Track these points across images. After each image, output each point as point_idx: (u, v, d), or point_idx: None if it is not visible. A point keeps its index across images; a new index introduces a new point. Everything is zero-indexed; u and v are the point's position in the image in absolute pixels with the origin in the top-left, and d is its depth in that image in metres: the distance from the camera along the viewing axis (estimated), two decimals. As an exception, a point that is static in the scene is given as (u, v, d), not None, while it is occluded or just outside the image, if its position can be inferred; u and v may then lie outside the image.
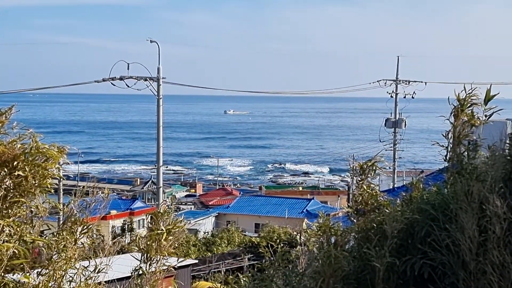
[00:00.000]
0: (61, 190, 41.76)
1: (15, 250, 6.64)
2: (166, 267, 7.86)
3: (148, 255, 7.79)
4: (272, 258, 8.21)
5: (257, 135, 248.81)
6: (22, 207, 7.11)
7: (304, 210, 71.82)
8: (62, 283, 7.06)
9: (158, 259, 7.80)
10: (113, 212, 65.86)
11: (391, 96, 69.96)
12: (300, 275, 7.69)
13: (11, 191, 6.97)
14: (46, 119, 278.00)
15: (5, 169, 6.94)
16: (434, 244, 6.86)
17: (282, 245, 8.89)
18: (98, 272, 7.32)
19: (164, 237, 7.70)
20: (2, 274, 6.68)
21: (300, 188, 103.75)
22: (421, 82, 70.46)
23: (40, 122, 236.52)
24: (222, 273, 46.54)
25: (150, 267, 7.79)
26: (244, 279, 8.68)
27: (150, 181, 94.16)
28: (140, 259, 7.89)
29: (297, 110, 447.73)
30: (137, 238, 8.33)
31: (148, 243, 7.79)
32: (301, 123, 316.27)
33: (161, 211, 8.00)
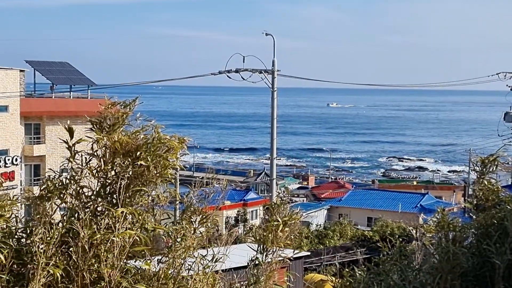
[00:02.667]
0: (178, 180, 42.64)
1: (137, 238, 6.85)
2: (282, 258, 7.92)
3: (265, 246, 7.87)
4: (388, 253, 8.13)
5: (370, 129, 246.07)
6: (144, 196, 7.33)
7: (418, 205, 70.54)
8: (181, 271, 7.24)
9: (274, 250, 7.86)
10: (227, 202, 66.84)
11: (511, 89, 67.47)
12: (416, 271, 7.57)
13: (134, 180, 7.20)
14: (166, 111, 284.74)
15: (129, 159, 7.17)
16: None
17: (400, 240, 8.76)
18: (216, 261, 7.45)
19: (280, 229, 7.76)
20: (125, 260, 6.91)
21: (415, 183, 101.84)
22: (544, 74, 67.55)
23: (161, 113, 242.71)
24: (335, 266, 46.40)
25: (266, 257, 7.87)
26: (360, 272, 8.62)
27: (263, 172, 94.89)
28: (256, 250, 7.98)
29: (409, 103, 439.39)
30: (254, 229, 8.43)
31: (265, 234, 7.86)
32: (413, 116, 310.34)
33: (277, 203, 8.06)
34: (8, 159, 54.92)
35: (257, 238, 8.04)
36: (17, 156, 55.99)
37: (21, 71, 57.92)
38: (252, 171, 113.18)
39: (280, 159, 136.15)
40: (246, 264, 8.10)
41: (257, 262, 7.91)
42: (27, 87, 61.59)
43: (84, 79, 64.03)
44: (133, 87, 46.97)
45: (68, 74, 63.17)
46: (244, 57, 39.29)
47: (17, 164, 55.93)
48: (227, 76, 39.52)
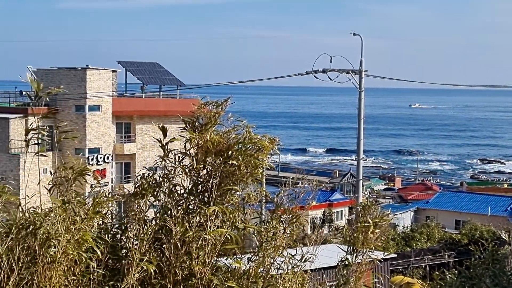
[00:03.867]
0: (264, 180, 42.74)
1: (228, 236, 6.95)
2: (372, 260, 7.88)
3: (354, 247, 7.84)
4: (480, 256, 7.97)
5: (459, 130, 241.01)
6: (234, 195, 7.43)
7: (508, 208, 68.68)
8: (270, 270, 7.30)
9: (364, 251, 7.83)
10: (313, 203, 66.68)
11: None
12: (510, 276, 7.40)
13: (225, 179, 7.30)
14: (253, 111, 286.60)
15: (220, 158, 7.28)
16: None
17: (492, 244, 8.57)
18: (305, 261, 7.48)
19: (371, 230, 7.72)
20: (216, 258, 7.02)
21: (505, 185, 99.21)
22: None
23: (249, 113, 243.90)
24: (423, 268, 45.68)
25: (356, 258, 7.85)
26: (450, 276, 8.49)
27: (349, 173, 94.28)
28: (346, 250, 7.96)
29: (496, 104, 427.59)
30: (344, 229, 8.42)
31: (355, 235, 7.84)
32: (504, 117, 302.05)
33: (368, 203, 8.03)
34: (100, 157, 56.41)
35: (347, 238, 8.03)
36: (109, 154, 57.45)
37: (113, 71, 59.40)
38: (337, 171, 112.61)
39: (366, 159, 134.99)
40: (335, 265, 8.09)
41: (346, 263, 7.89)
42: (119, 87, 63.09)
43: (173, 79, 65.10)
44: (220, 87, 47.53)
45: (158, 75, 64.38)
46: (331, 57, 39.17)
47: (108, 162, 57.38)
48: (314, 76, 39.45)
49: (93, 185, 7.52)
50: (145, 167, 7.72)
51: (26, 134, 6.88)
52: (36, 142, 7.21)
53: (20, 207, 6.60)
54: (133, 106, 60.20)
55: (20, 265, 6.14)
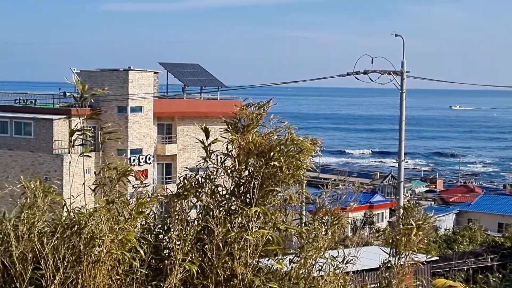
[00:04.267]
0: (305, 181, 42.68)
1: (270, 237, 6.96)
2: (414, 262, 7.83)
3: (397, 249, 7.80)
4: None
5: (503, 132, 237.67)
6: (276, 196, 7.45)
7: (554, 211, 67.56)
8: (312, 271, 7.29)
9: (407, 253, 7.78)
10: (354, 204, 66.33)
11: None
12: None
13: (267, 180, 7.32)
14: (293, 112, 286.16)
15: (262, 159, 7.30)
16: None
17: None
18: (346, 262, 7.45)
19: (414, 232, 7.67)
20: (257, 259, 7.04)
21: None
22: None
23: (289, 115, 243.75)
24: (465, 272, 45.15)
25: (399, 261, 7.80)
26: (494, 279, 8.39)
27: (390, 175, 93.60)
28: (388, 252, 7.92)
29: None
30: (387, 231, 8.37)
31: (397, 237, 7.79)
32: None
33: (410, 205, 7.97)
34: (142, 158, 56.88)
35: (389, 241, 7.99)
36: (150, 155, 57.90)
37: (155, 73, 59.86)
38: (378, 173, 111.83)
39: (407, 161, 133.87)
40: (377, 267, 8.05)
41: (389, 265, 7.85)
42: (160, 88, 63.53)
43: (214, 80, 65.34)
44: (261, 88, 47.54)
45: (199, 76, 64.68)
46: (372, 58, 38.92)
47: (150, 163, 57.84)
48: (356, 77, 39.23)
49: (135, 186, 7.61)
50: (187, 168, 7.78)
51: (71, 135, 6.99)
52: (81, 143, 7.32)
53: (65, 206, 6.70)
54: (175, 107, 60.55)
55: (66, 264, 6.23)
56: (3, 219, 6.38)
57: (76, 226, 6.40)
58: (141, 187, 7.54)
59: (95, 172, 7.37)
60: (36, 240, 6.25)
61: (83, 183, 7.07)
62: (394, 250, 7.84)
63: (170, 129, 60.64)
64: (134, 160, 55.70)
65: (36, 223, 6.34)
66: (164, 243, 7.22)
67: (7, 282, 6.28)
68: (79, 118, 7.32)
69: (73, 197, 6.89)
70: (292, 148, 7.36)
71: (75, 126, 7.13)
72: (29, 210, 6.46)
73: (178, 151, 60.04)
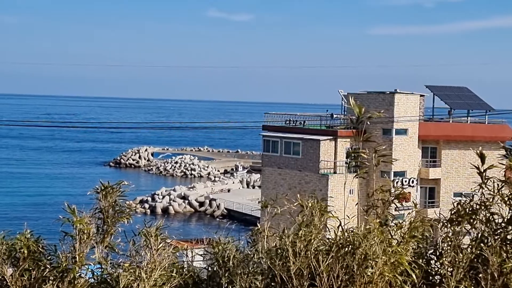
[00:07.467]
0: None
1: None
2: None
3: None
4: None
5: None
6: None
7: None
8: None
9: None
10: None
11: None
12: None
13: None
14: None
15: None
16: None
17: None
18: None
19: None
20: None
21: None
22: None
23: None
24: None
25: None
26: None
27: None
28: None
29: None
30: None
31: None
32: None
33: None
34: (405, 181, 56.51)
35: None
36: (414, 178, 57.34)
37: (421, 95, 59.36)
38: None
39: None
40: None
41: None
42: (426, 111, 62.82)
43: (482, 104, 63.22)
44: None
45: (466, 99, 62.98)
46: None
47: (413, 186, 57.25)
48: None
49: (399, 208, 7.61)
50: (461, 193, 7.64)
51: (347, 157, 7.19)
52: (355, 164, 7.49)
53: (340, 226, 6.88)
54: (440, 131, 59.49)
55: (339, 282, 6.40)
56: (282, 235, 6.71)
57: (350, 246, 6.55)
58: (409, 210, 7.54)
59: (368, 194, 7.50)
60: (312, 257, 6.49)
61: (357, 204, 7.23)
62: None
63: (435, 152, 59.60)
64: (397, 182, 55.40)
65: (312, 240, 6.59)
66: (436, 269, 7.13)
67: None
68: (355, 140, 7.50)
69: (348, 217, 7.07)
70: None
71: (352, 148, 7.32)
72: (306, 228, 6.73)
73: (442, 175, 58.80)
